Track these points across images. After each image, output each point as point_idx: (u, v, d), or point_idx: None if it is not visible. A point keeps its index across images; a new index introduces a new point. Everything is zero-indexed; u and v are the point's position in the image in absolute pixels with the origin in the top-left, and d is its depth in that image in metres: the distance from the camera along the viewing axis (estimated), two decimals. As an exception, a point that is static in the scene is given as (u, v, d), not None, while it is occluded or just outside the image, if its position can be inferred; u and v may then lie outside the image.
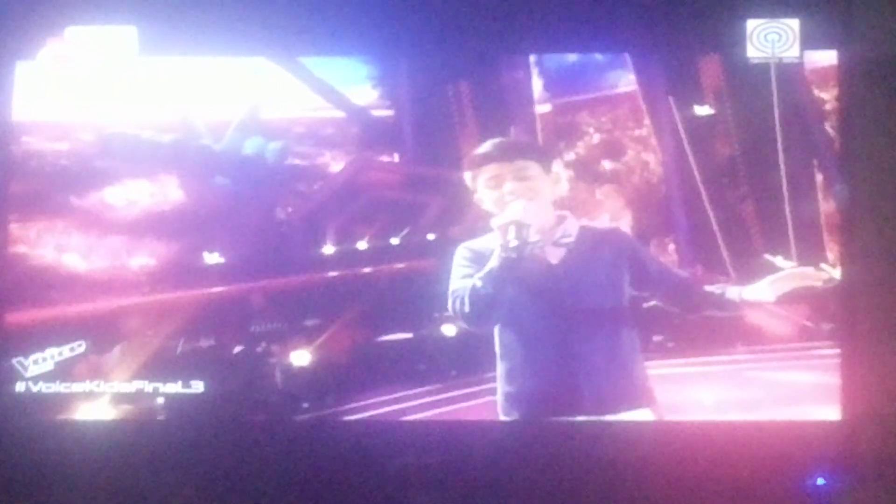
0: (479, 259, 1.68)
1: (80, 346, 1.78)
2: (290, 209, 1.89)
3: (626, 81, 1.89)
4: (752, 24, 1.74)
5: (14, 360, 1.74)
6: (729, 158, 1.83)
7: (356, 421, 1.79)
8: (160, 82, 1.88)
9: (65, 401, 1.75)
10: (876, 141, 1.72)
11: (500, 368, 1.71)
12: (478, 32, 1.86)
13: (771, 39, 1.73)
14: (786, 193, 1.80)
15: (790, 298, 1.71)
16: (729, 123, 1.83)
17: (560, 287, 1.70)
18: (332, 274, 1.85)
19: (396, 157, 1.91)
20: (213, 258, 1.86)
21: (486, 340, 1.72)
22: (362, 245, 1.87)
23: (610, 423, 1.67)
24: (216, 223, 1.88)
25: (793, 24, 1.73)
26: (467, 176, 1.74)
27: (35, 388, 1.74)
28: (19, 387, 1.74)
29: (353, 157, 1.90)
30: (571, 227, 1.73)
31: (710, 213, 1.85)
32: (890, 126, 1.73)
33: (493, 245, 1.65)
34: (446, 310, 1.70)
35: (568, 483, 1.72)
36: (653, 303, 1.74)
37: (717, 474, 1.66)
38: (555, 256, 1.71)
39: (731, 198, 1.84)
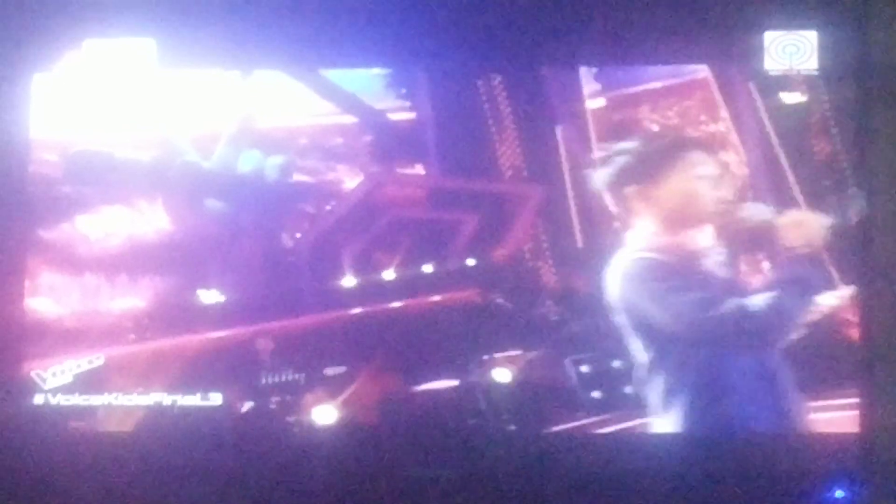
0: (679, 271, 1.60)
1: (98, 360, 1.72)
2: (298, 235, 1.74)
3: (694, 67, 1.72)
4: (769, 37, 1.73)
5: (33, 373, 1.74)
6: (829, 153, 1.68)
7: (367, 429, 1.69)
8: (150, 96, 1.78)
9: (83, 413, 1.73)
10: (892, 152, 1.68)
11: (687, 396, 1.61)
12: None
13: (789, 52, 1.72)
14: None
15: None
16: (826, 110, 1.68)
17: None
18: (355, 311, 1.69)
19: (420, 169, 1.74)
20: (210, 296, 1.72)
21: (548, 387, 1.60)
22: (389, 275, 1.69)
23: (624, 434, 1.63)
24: (211, 254, 1.73)
25: (810, 36, 1.72)
26: (659, 157, 1.64)
27: (54, 401, 1.73)
28: (38, 399, 1.74)
29: (370, 170, 1.72)
30: None
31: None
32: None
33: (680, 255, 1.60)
34: (496, 350, 1.60)
35: (584, 493, 1.64)
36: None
37: (735, 486, 1.62)
38: None
39: (835, 202, 1.67)
